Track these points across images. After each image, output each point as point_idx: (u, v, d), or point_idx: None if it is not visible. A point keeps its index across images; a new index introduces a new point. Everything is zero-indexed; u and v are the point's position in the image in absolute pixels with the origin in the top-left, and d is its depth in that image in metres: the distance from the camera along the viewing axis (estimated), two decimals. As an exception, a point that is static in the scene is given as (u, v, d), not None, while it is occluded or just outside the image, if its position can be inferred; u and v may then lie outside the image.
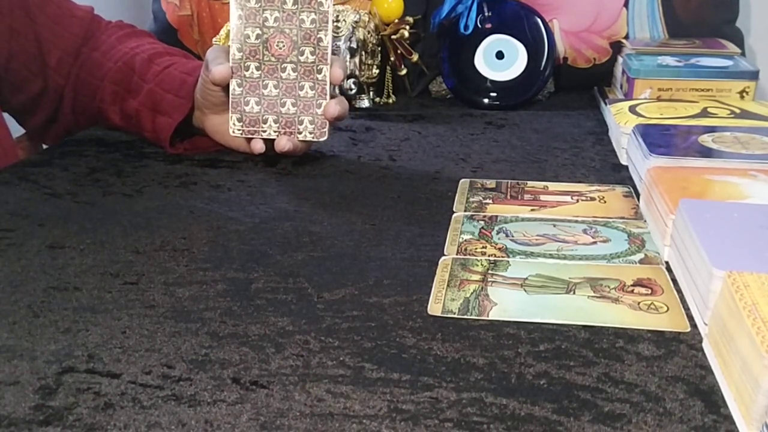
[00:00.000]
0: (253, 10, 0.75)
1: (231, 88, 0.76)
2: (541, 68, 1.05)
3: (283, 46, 0.75)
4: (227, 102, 0.77)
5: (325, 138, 0.77)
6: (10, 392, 0.43)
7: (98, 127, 0.93)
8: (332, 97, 0.77)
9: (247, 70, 0.76)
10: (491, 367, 0.45)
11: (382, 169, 0.80)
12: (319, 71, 0.76)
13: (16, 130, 0.95)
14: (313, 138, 0.77)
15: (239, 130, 0.77)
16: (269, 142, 0.78)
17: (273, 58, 0.76)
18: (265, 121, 0.77)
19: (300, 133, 0.77)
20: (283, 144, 0.76)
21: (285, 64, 0.76)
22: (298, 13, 0.75)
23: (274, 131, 0.77)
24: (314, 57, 0.75)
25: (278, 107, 0.76)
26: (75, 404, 0.42)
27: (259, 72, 0.76)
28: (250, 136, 0.78)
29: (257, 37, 0.75)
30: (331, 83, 0.76)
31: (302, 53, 0.75)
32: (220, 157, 0.83)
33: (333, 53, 0.76)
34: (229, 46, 0.77)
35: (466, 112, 1.04)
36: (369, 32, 1.02)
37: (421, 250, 0.60)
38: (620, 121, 0.82)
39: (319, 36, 0.75)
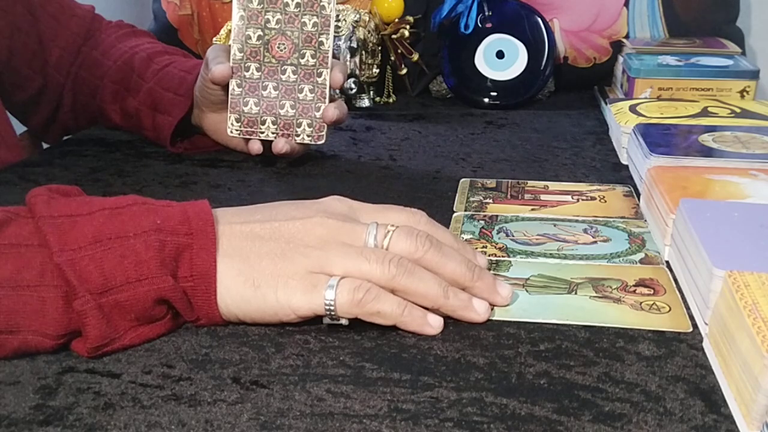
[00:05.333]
0: (256, 11, 0.75)
1: (230, 88, 0.76)
2: (542, 68, 1.05)
3: (284, 48, 0.75)
4: (226, 101, 0.77)
5: (323, 141, 0.77)
6: (11, 392, 0.43)
7: (98, 126, 0.93)
8: (332, 100, 0.77)
9: (247, 71, 0.76)
10: (491, 366, 0.45)
11: (382, 169, 0.80)
12: (319, 74, 0.76)
13: (17, 129, 0.95)
14: (310, 141, 0.77)
15: (237, 130, 0.77)
16: (267, 144, 0.78)
17: (273, 60, 0.76)
18: (263, 123, 0.77)
19: (298, 135, 0.77)
20: (281, 146, 0.76)
21: (285, 66, 0.76)
22: (300, 16, 0.75)
23: (272, 133, 0.77)
24: (315, 60, 0.75)
25: (277, 109, 0.76)
26: (75, 404, 0.42)
27: (259, 73, 0.76)
28: (247, 136, 0.78)
29: (258, 38, 0.75)
30: (330, 87, 0.76)
31: (303, 56, 0.75)
32: (220, 157, 0.83)
33: (333, 54, 0.76)
34: (229, 45, 0.77)
35: (467, 112, 1.04)
36: (369, 32, 1.02)
37: (421, 250, 0.60)
38: (621, 120, 0.82)
39: (320, 39, 0.75)
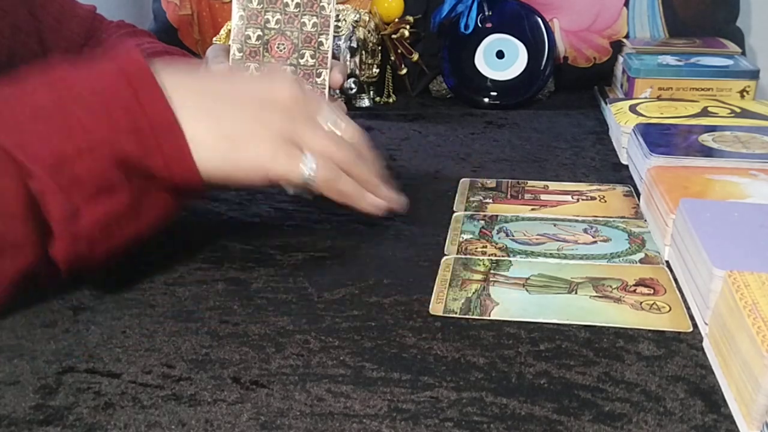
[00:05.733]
0: (255, 11, 0.75)
1: None
2: (542, 67, 1.05)
3: (284, 48, 0.75)
4: None
5: None
6: (11, 392, 0.43)
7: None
8: (331, 101, 0.77)
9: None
10: (491, 366, 0.45)
11: (382, 169, 0.80)
12: (319, 75, 0.76)
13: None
14: None
15: None
16: None
17: (273, 60, 0.76)
18: None
19: None
20: None
21: (285, 67, 0.76)
22: (300, 16, 0.75)
23: None
24: (314, 60, 0.75)
25: None
26: (75, 404, 0.42)
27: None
28: None
29: (258, 38, 0.75)
30: (330, 87, 0.76)
31: (302, 56, 0.75)
32: (220, 156, 0.83)
33: (333, 54, 0.76)
34: (229, 45, 0.77)
35: (467, 112, 1.04)
36: (369, 31, 1.02)
37: (421, 250, 0.60)
38: (620, 120, 0.82)
39: (319, 40, 0.75)
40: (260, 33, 0.75)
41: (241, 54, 0.75)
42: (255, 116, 0.49)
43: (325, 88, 0.76)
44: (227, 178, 0.48)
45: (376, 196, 0.57)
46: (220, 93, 0.49)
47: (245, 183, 0.50)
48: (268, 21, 0.75)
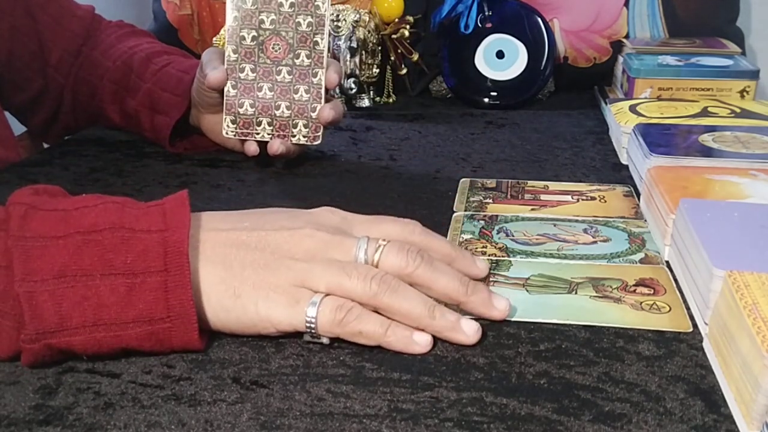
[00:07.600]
0: (250, 11, 0.75)
1: (225, 89, 0.76)
2: (542, 67, 1.05)
3: (279, 48, 0.75)
4: (222, 102, 0.77)
5: (319, 142, 0.77)
6: (10, 392, 0.43)
7: (98, 126, 0.93)
8: (327, 100, 0.77)
9: (242, 72, 0.76)
10: (491, 366, 0.45)
11: (382, 169, 0.80)
12: (315, 75, 0.75)
13: (18, 128, 0.95)
14: (306, 142, 0.77)
15: (233, 131, 0.77)
16: (262, 145, 0.77)
17: (268, 61, 0.75)
18: (258, 124, 0.77)
19: (294, 136, 0.77)
20: (276, 147, 0.76)
21: (280, 67, 0.76)
22: (295, 16, 0.74)
23: (268, 134, 0.77)
24: (310, 60, 0.75)
25: (272, 110, 0.76)
26: (75, 404, 0.42)
27: (254, 74, 0.76)
28: (243, 138, 0.77)
29: (253, 38, 0.75)
30: (326, 87, 0.76)
31: (298, 56, 0.75)
32: (220, 156, 0.83)
33: (333, 54, 0.76)
34: (224, 47, 0.76)
35: (467, 112, 1.04)
36: (369, 31, 1.02)
37: (421, 250, 0.60)
38: (621, 120, 0.82)
39: (315, 39, 0.75)
40: (255, 34, 0.75)
41: (236, 55, 0.75)
42: (268, 267, 0.46)
43: (321, 88, 0.76)
44: (233, 330, 0.47)
45: (426, 330, 0.46)
46: (247, 245, 0.47)
47: (255, 334, 0.47)
48: (262, 21, 0.75)
